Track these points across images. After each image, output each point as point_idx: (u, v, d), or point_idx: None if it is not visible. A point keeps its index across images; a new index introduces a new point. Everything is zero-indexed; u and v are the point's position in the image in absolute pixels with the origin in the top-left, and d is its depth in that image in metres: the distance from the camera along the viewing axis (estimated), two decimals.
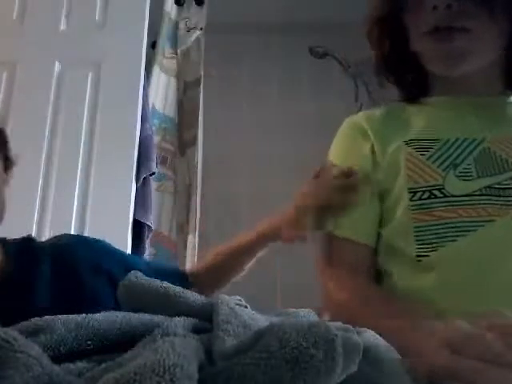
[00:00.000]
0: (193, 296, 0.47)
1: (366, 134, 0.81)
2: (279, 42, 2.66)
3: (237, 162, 2.48)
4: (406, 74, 0.85)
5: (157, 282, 0.48)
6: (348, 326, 0.33)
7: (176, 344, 0.28)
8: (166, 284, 0.48)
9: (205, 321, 0.40)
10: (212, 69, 2.29)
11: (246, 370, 0.28)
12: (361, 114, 0.88)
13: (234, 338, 0.34)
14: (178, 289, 0.47)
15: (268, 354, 0.28)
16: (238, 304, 0.43)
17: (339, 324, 0.32)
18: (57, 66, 1.72)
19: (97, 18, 1.79)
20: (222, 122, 2.51)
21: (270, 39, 2.65)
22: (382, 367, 0.34)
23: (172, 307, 0.43)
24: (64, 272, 0.70)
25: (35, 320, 0.37)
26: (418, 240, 0.69)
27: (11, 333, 0.29)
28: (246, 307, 0.44)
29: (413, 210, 0.70)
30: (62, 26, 1.79)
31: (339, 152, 0.87)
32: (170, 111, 1.95)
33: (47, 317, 0.38)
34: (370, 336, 0.36)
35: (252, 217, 2.40)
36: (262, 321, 0.40)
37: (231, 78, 2.60)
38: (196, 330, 0.38)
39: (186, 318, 0.40)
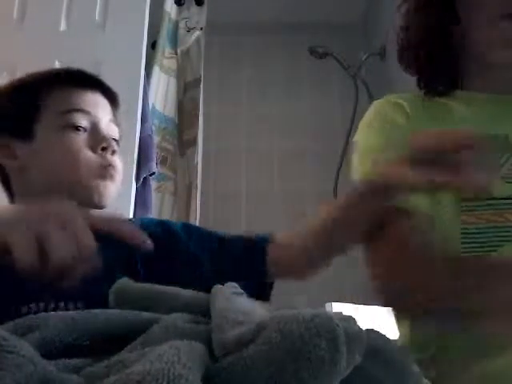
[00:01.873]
0: (187, 292, 0.47)
1: (409, 117, 0.73)
2: (279, 42, 2.66)
3: (237, 162, 2.48)
4: (441, 64, 0.78)
5: (148, 284, 0.48)
6: (350, 316, 0.33)
7: (182, 352, 0.28)
8: (157, 286, 0.48)
9: (202, 314, 0.40)
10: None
11: (249, 363, 0.28)
12: (400, 95, 0.80)
13: (232, 326, 0.34)
14: (171, 288, 0.47)
15: (270, 345, 0.28)
16: (233, 292, 0.43)
17: (341, 314, 0.32)
18: (57, 66, 1.72)
19: (97, 18, 1.79)
20: (222, 122, 2.51)
21: (270, 39, 2.65)
22: (393, 369, 0.34)
23: (166, 305, 0.42)
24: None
25: (30, 317, 0.37)
26: (464, 242, 0.65)
27: (1, 333, 0.29)
28: (241, 294, 0.44)
29: (462, 211, 0.66)
30: (62, 26, 1.79)
31: (375, 134, 0.74)
32: (170, 111, 1.94)
33: (42, 313, 0.38)
34: (379, 336, 0.36)
35: (252, 217, 2.41)
36: (258, 307, 0.40)
37: (231, 77, 2.60)
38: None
39: (182, 313, 0.40)
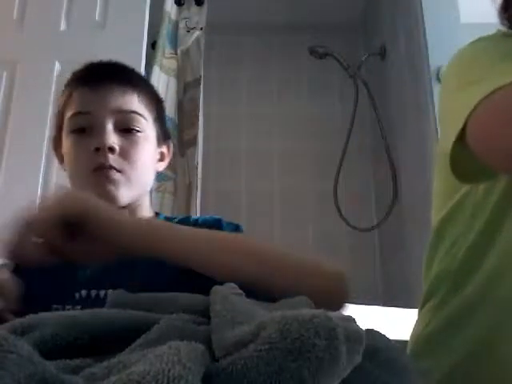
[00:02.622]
0: (186, 295, 0.47)
1: None
2: (279, 42, 2.66)
3: (237, 162, 2.48)
4: None
5: (145, 294, 0.48)
6: (349, 316, 0.33)
7: (182, 352, 0.28)
8: (155, 293, 0.48)
9: (202, 315, 0.40)
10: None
11: (249, 363, 0.28)
12: None
13: (232, 326, 0.34)
14: (169, 293, 0.47)
15: (270, 345, 0.28)
16: (233, 292, 0.43)
17: (340, 314, 0.32)
18: (57, 66, 1.72)
19: (97, 18, 1.80)
20: (222, 122, 2.51)
21: (270, 39, 2.65)
22: (394, 368, 0.34)
23: (165, 309, 0.42)
24: None
25: (30, 316, 0.37)
26: None
27: (1, 333, 0.29)
28: (241, 295, 0.44)
29: None
30: (62, 26, 1.79)
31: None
32: (170, 111, 1.94)
33: (42, 313, 0.38)
34: (379, 336, 0.36)
35: (252, 217, 2.42)
36: (258, 307, 0.40)
37: (231, 77, 2.60)
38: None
39: (183, 313, 0.40)
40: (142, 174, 0.76)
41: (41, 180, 1.60)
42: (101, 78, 0.75)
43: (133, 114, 0.75)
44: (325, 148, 2.47)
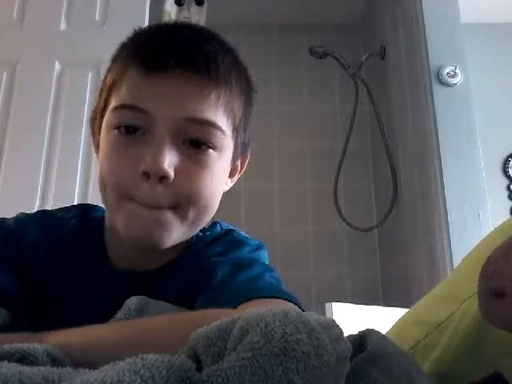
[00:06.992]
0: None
1: None
2: (279, 42, 2.65)
3: None
4: None
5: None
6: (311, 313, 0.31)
7: (145, 361, 0.26)
8: None
9: None
10: None
11: (230, 374, 0.26)
12: None
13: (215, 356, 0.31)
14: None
15: (253, 352, 0.26)
16: None
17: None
18: (57, 66, 1.72)
19: (97, 17, 1.79)
20: None
21: (270, 39, 2.65)
22: (396, 374, 0.33)
23: None
24: None
25: (27, 346, 0.34)
26: None
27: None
28: None
29: None
30: (62, 26, 1.79)
31: None
32: None
33: (36, 346, 0.35)
34: (384, 339, 0.35)
35: (252, 217, 2.41)
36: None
37: None
38: None
39: None
40: (207, 209, 0.57)
41: (41, 180, 1.60)
42: (172, 59, 0.51)
43: (206, 126, 0.52)
44: (325, 148, 2.47)
